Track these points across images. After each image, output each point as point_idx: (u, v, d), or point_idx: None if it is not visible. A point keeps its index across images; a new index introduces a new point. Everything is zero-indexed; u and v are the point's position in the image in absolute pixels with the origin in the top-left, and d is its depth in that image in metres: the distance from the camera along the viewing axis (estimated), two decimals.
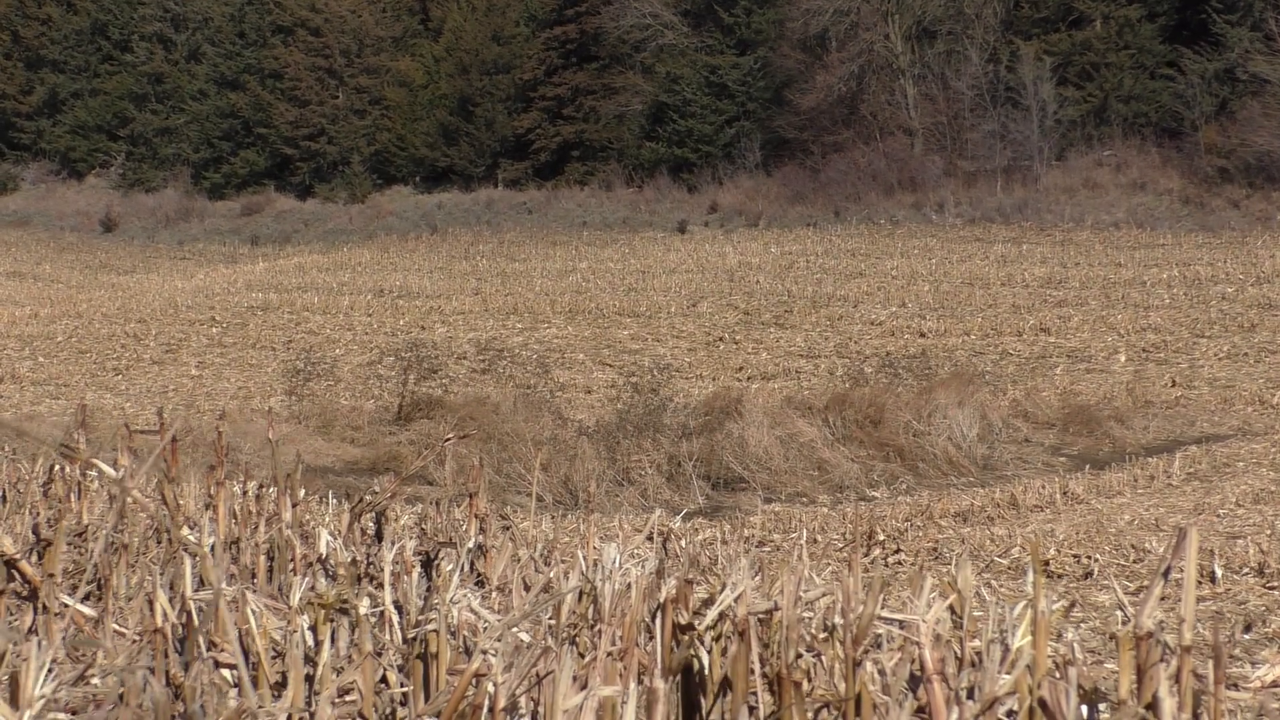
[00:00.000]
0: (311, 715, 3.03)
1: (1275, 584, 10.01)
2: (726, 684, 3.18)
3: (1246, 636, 8.17)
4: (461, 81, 73.37)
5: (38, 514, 4.69)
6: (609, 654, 3.03)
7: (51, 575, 3.68)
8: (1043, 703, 2.73)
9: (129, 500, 4.81)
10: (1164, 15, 60.74)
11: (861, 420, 22.90)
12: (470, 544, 4.49)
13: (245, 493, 5.67)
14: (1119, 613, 8.57)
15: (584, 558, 3.55)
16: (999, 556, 12.07)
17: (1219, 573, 10.20)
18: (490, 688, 2.84)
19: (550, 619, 3.36)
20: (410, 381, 26.62)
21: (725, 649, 3.19)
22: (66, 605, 3.71)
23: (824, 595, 3.32)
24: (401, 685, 3.28)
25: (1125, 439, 24.36)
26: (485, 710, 2.84)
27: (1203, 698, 2.81)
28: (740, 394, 25.57)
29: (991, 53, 61.78)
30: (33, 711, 2.46)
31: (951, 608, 3.01)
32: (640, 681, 3.04)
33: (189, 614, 3.59)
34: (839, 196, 60.24)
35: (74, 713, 2.62)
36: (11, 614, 3.74)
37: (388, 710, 3.23)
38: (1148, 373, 31.41)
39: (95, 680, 2.98)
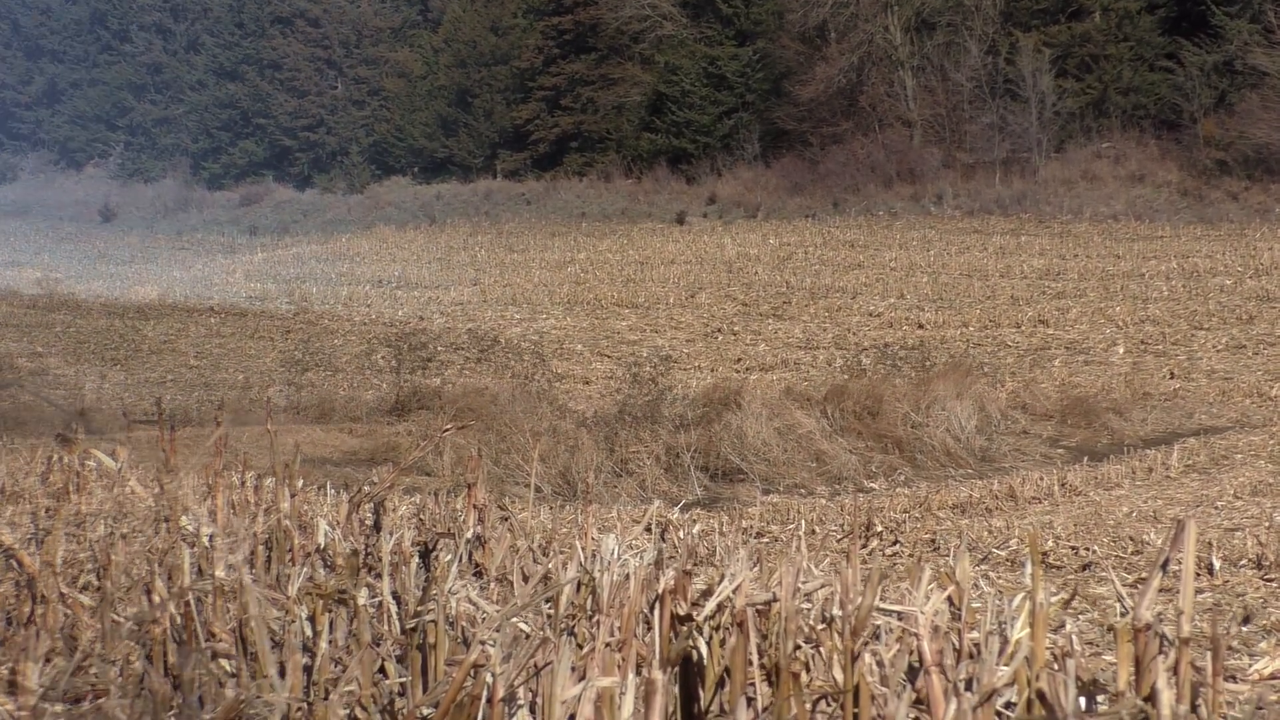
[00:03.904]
0: (309, 706, 3.04)
1: (1273, 576, 10.01)
2: (725, 675, 3.18)
3: (1245, 629, 8.18)
4: (460, 72, 73.34)
5: (36, 504, 4.69)
6: (607, 645, 3.03)
7: (50, 565, 3.68)
8: (1041, 694, 2.73)
9: (127, 490, 4.81)
10: (1163, 7, 60.74)
11: (860, 412, 22.89)
12: (468, 535, 4.48)
13: (243, 483, 5.66)
14: (1117, 605, 8.58)
15: (582, 549, 3.54)
16: (997, 548, 12.08)
17: (1217, 565, 10.21)
18: (488, 678, 2.83)
19: (549, 610, 3.36)
20: (403, 371, 26.64)
21: (724, 640, 3.19)
22: (65, 595, 3.71)
23: (822, 586, 3.32)
24: (400, 676, 3.28)
25: (1123, 431, 24.34)
26: (483, 701, 2.84)
27: (1201, 689, 2.81)
28: (739, 385, 25.56)
29: (990, 44, 61.77)
30: (31, 701, 2.47)
31: (950, 599, 3.00)
32: (638, 672, 3.04)
33: (187, 604, 3.59)
34: (838, 188, 60.24)
35: (73, 702, 2.62)
36: (11, 604, 3.74)
37: (385, 701, 3.23)
38: (1146, 365, 31.42)
39: (93, 670, 2.98)
